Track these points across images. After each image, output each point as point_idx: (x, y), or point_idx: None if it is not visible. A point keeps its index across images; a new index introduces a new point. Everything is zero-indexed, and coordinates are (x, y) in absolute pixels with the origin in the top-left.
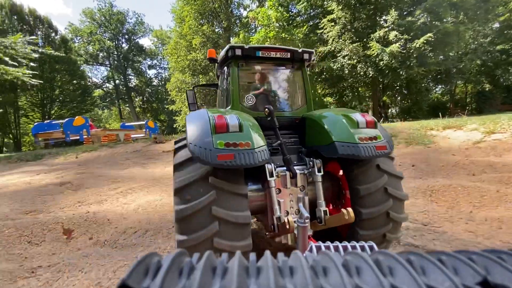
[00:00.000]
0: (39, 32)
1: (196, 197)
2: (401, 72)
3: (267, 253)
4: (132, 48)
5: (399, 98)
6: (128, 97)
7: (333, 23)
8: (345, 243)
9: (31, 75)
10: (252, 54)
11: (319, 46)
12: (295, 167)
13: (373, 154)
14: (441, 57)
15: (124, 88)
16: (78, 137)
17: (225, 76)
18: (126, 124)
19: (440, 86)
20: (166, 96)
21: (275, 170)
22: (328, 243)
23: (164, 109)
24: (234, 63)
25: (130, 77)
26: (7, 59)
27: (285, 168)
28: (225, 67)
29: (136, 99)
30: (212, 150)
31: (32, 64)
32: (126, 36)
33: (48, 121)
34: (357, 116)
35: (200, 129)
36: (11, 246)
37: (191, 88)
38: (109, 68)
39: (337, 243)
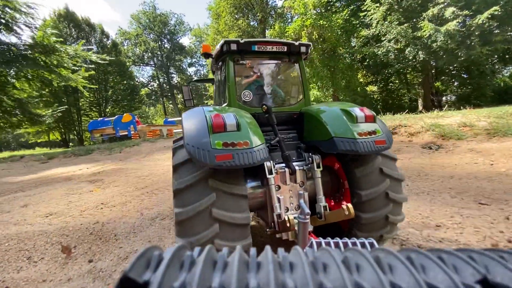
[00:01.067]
0: (92, 39)
1: (196, 199)
2: (459, 54)
3: (268, 248)
4: (173, 47)
5: (456, 83)
6: (171, 94)
7: (377, 4)
8: (346, 239)
9: (87, 82)
10: (247, 49)
11: (361, 30)
12: (294, 163)
13: (372, 149)
14: (511, 33)
15: (168, 86)
16: (126, 133)
17: (221, 72)
18: (169, 119)
19: (509, 68)
20: (205, 92)
21: (274, 167)
22: (329, 239)
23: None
24: (229, 58)
25: (172, 75)
26: (71, 65)
27: (284, 164)
28: (221, 62)
29: (178, 96)
30: (210, 151)
31: (90, 66)
32: (168, 37)
33: (101, 118)
34: (356, 110)
35: (197, 129)
36: (3, 266)
37: (187, 84)
38: (153, 68)
39: (337, 239)
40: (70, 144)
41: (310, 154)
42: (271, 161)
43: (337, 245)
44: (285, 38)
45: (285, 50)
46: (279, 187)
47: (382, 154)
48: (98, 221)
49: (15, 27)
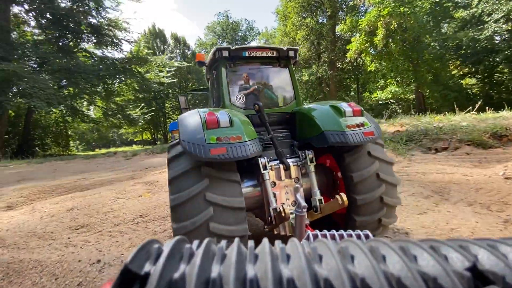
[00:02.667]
0: (177, 50)
1: (190, 185)
2: None
3: (265, 240)
4: None
5: None
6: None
7: None
8: (342, 231)
9: (171, 89)
10: (239, 55)
11: (456, 12)
12: (288, 160)
13: (361, 140)
14: None
15: None
16: None
17: (215, 78)
18: None
19: None
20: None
21: (268, 163)
22: (325, 231)
23: None
24: (222, 65)
25: None
26: (161, 74)
27: (278, 161)
28: (214, 70)
29: None
30: (204, 145)
31: (173, 72)
32: (239, 42)
33: None
34: (344, 105)
35: (192, 126)
36: None
37: (183, 94)
38: None
39: (333, 231)
40: (158, 142)
41: (303, 150)
42: (265, 158)
43: (333, 237)
44: (358, 32)
45: (274, 55)
46: (275, 184)
47: (379, 159)
48: (100, 260)
49: (116, 41)
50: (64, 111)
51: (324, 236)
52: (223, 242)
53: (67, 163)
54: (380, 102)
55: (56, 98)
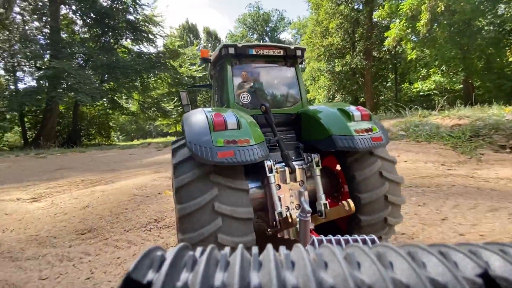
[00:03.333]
0: (209, 44)
1: (198, 194)
2: None
3: (269, 246)
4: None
5: None
6: None
7: None
8: (347, 236)
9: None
10: (245, 52)
11: None
12: (294, 163)
13: (369, 145)
14: None
15: None
16: None
17: (219, 76)
18: None
19: None
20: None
21: (274, 166)
22: (330, 236)
23: None
24: (227, 62)
25: None
26: (193, 67)
27: (283, 164)
28: (219, 67)
29: None
30: (211, 148)
31: (204, 66)
32: (269, 34)
33: None
34: (352, 109)
35: (198, 127)
36: None
37: (184, 89)
38: None
39: (338, 236)
40: None
41: (309, 153)
42: (271, 160)
43: (338, 242)
44: (398, 17)
45: (281, 53)
46: (279, 187)
47: (381, 158)
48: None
49: (151, 37)
50: (106, 104)
51: (329, 241)
52: (227, 249)
53: (105, 152)
54: (421, 93)
55: (98, 92)
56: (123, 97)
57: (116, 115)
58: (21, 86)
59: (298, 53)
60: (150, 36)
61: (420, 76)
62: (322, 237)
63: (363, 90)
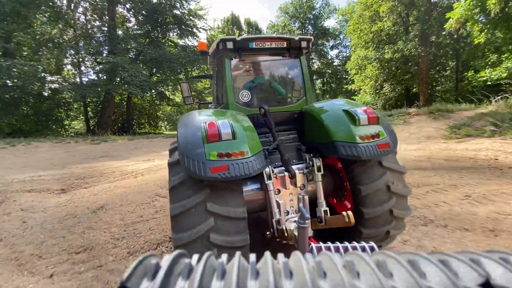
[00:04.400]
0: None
1: (190, 194)
2: None
3: (267, 254)
4: (317, 32)
5: None
6: (311, 80)
7: None
8: (346, 243)
9: None
10: (245, 46)
11: None
12: (294, 166)
13: (375, 154)
14: None
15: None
16: None
17: (218, 70)
18: None
19: None
20: (345, 76)
21: (273, 172)
22: (329, 243)
23: (342, 89)
24: (226, 57)
25: (313, 60)
26: None
27: (283, 168)
28: (217, 61)
29: (317, 81)
30: (204, 162)
31: None
32: (313, 22)
33: None
34: (358, 111)
35: (191, 138)
36: None
37: (185, 80)
38: None
39: (337, 243)
40: None
41: (311, 156)
42: (270, 166)
43: (337, 249)
44: None
45: (285, 45)
46: (279, 191)
47: (390, 170)
48: None
49: (195, 30)
50: (154, 96)
51: (328, 248)
52: (224, 257)
53: (150, 140)
54: (489, 82)
55: (147, 84)
56: (170, 89)
57: (163, 106)
58: (84, 79)
59: (303, 44)
60: (194, 30)
61: (489, 63)
62: (321, 244)
63: (417, 79)
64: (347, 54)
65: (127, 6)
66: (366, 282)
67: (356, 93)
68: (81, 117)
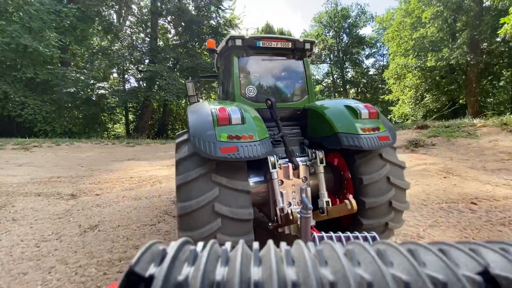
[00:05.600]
0: None
1: (199, 194)
2: None
3: (270, 242)
4: (352, 41)
5: None
6: (344, 90)
7: None
8: (348, 233)
9: None
10: (252, 44)
11: None
12: (298, 159)
13: (376, 145)
14: None
15: (341, 82)
16: None
17: (226, 67)
18: None
19: None
20: (382, 85)
21: (277, 162)
22: (331, 233)
23: (377, 99)
24: (234, 54)
25: (347, 69)
26: None
27: (287, 159)
28: (225, 58)
29: (351, 91)
30: (215, 143)
31: None
32: (347, 30)
33: None
34: (360, 106)
35: (202, 122)
36: None
37: (191, 80)
38: (329, 64)
39: (339, 233)
40: None
41: (313, 150)
42: (275, 156)
43: (339, 239)
44: None
45: (290, 46)
46: (282, 182)
47: (390, 162)
48: None
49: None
50: (188, 103)
51: (330, 238)
52: (227, 244)
53: None
54: None
55: (183, 91)
56: (203, 96)
57: None
58: (126, 86)
59: (307, 46)
60: None
61: None
62: (323, 234)
63: (464, 90)
64: (384, 63)
65: (168, 18)
66: (366, 269)
67: (393, 103)
68: (122, 121)
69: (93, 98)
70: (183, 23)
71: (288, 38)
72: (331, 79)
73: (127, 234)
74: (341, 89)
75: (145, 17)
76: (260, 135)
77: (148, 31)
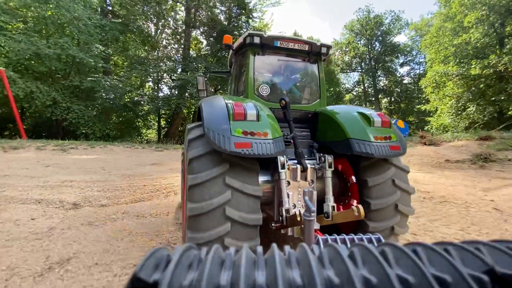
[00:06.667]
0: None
1: (211, 196)
2: None
3: (274, 246)
4: (385, 48)
5: None
6: (375, 99)
7: None
8: (352, 235)
9: None
10: (270, 43)
11: None
12: (306, 161)
13: (387, 154)
14: None
15: (372, 90)
16: None
17: (241, 64)
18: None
19: None
20: (418, 95)
21: (286, 162)
22: (335, 235)
23: (413, 109)
24: (251, 51)
25: (380, 78)
26: None
27: (296, 161)
28: (241, 55)
29: (383, 101)
30: (229, 137)
31: None
32: (380, 38)
33: None
34: (373, 114)
35: (218, 115)
36: None
37: (202, 74)
38: (360, 72)
39: (343, 235)
40: None
41: (322, 154)
42: (284, 156)
43: (343, 241)
44: None
45: (306, 49)
46: (289, 183)
47: (395, 166)
48: None
49: None
50: (198, 97)
51: (334, 240)
52: (232, 249)
53: None
54: None
55: None
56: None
57: None
58: (160, 94)
59: (323, 50)
60: None
61: None
62: (327, 236)
63: None
64: (420, 72)
65: (200, 30)
66: (371, 271)
67: (431, 113)
68: (155, 127)
69: (130, 105)
70: (214, 33)
71: (306, 40)
72: (362, 87)
73: (103, 282)
74: (373, 98)
75: (180, 29)
76: (274, 134)
77: (182, 41)
